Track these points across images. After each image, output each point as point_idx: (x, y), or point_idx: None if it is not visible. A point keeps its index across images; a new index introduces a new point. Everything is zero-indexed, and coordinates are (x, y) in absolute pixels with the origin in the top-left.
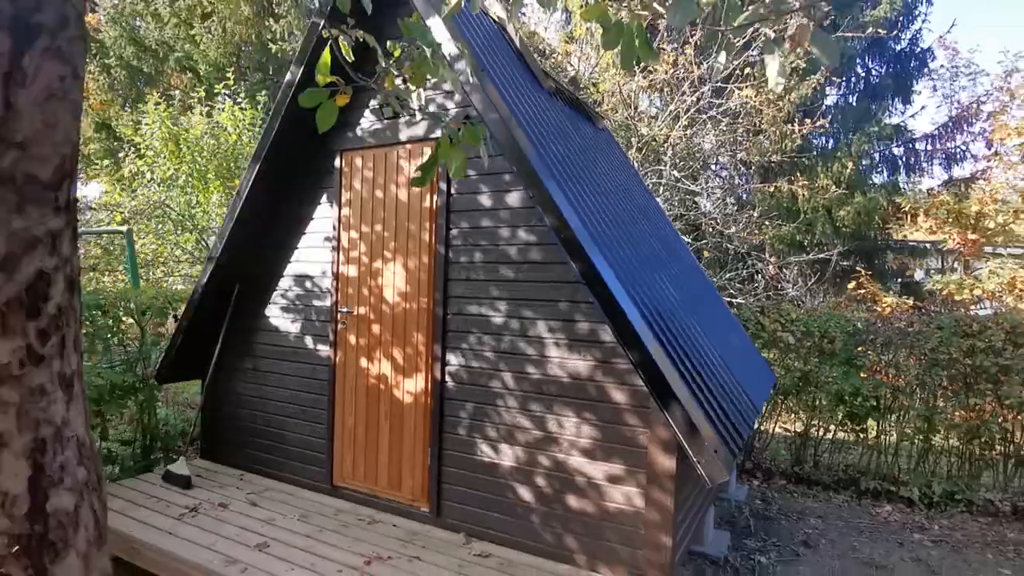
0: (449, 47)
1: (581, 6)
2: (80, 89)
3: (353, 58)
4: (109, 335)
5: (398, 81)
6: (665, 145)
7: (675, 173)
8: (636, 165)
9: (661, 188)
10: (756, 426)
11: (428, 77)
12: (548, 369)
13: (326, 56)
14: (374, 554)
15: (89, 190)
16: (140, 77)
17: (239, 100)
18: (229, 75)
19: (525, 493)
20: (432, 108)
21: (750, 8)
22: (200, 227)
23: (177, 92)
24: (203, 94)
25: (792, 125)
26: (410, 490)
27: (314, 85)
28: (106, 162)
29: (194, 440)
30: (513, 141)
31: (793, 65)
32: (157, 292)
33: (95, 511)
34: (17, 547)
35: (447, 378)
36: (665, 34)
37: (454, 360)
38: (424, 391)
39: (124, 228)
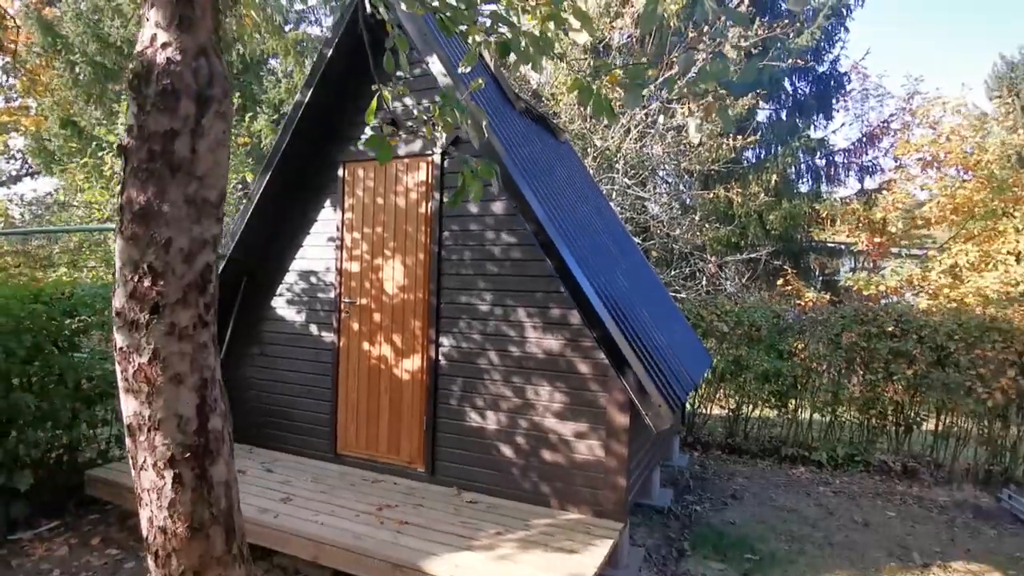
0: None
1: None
2: (230, 138)
3: (395, 106)
4: None
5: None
6: (617, 155)
7: (626, 180)
8: (592, 172)
9: (614, 193)
10: (697, 407)
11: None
12: (526, 348)
13: (373, 104)
14: (383, 503)
15: (40, 184)
16: (104, 73)
17: None
18: None
19: (507, 450)
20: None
21: (677, 87)
22: None
23: None
24: None
25: (728, 139)
26: (407, 453)
27: (320, 106)
28: (86, 160)
29: None
30: (500, 160)
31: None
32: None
33: (229, 433)
34: (188, 454)
35: (440, 357)
36: (618, 55)
37: (446, 342)
38: (420, 369)
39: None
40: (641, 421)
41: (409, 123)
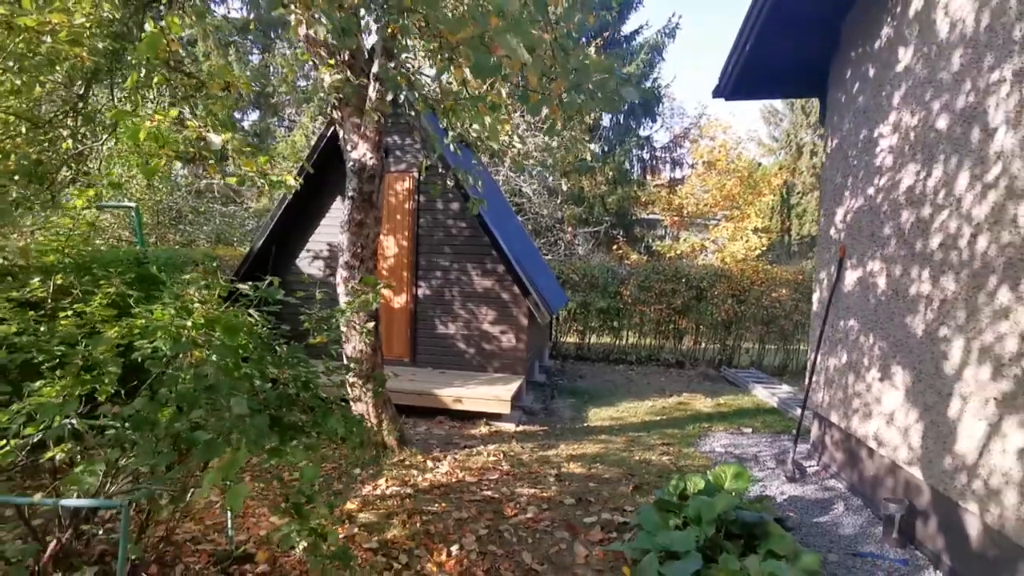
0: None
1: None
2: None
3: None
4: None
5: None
6: (506, 158)
7: (510, 173)
8: (486, 164)
9: (500, 183)
10: (560, 337)
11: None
12: (473, 287)
13: (424, 165)
14: (393, 373)
15: None
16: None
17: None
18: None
19: (462, 344)
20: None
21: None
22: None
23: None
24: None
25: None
26: (399, 351)
27: (335, 136)
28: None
29: None
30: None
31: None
32: (205, 252)
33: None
34: (374, 352)
35: (420, 294)
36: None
37: (424, 285)
38: (407, 301)
39: (132, 204)
40: (535, 322)
41: (398, 152)
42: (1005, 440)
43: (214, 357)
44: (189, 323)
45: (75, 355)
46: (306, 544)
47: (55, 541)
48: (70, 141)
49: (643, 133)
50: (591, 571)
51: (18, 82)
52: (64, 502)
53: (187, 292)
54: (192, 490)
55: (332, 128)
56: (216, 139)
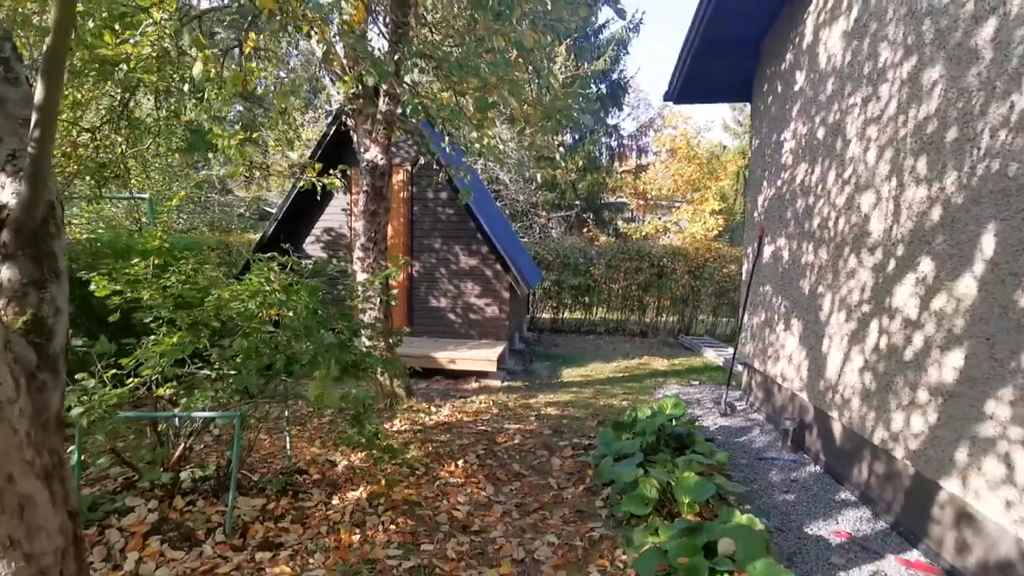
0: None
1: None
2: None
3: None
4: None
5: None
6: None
7: (489, 163)
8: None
9: (480, 171)
10: (536, 312)
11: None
12: (460, 265)
13: (420, 162)
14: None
15: None
16: None
17: None
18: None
19: (452, 316)
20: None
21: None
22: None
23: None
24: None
25: (552, 137)
26: (397, 322)
27: (336, 135)
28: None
29: None
30: (451, 179)
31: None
32: (219, 239)
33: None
34: (386, 318)
35: (414, 272)
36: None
37: (418, 264)
38: (403, 279)
39: (146, 195)
40: (515, 295)
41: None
42: (852, 363)
43: (290, 313)
44: (268, 288)
45: (187, 314)
46: (363, 440)
47: (182, 446)
48: (124, 146)
49: (611, 122)
50: (564, 473)
51: (78, 95)
52: (195, 414)
53: (271, 266)
54: (264, 417)
55: (335, 127)
56: (293, 155)
